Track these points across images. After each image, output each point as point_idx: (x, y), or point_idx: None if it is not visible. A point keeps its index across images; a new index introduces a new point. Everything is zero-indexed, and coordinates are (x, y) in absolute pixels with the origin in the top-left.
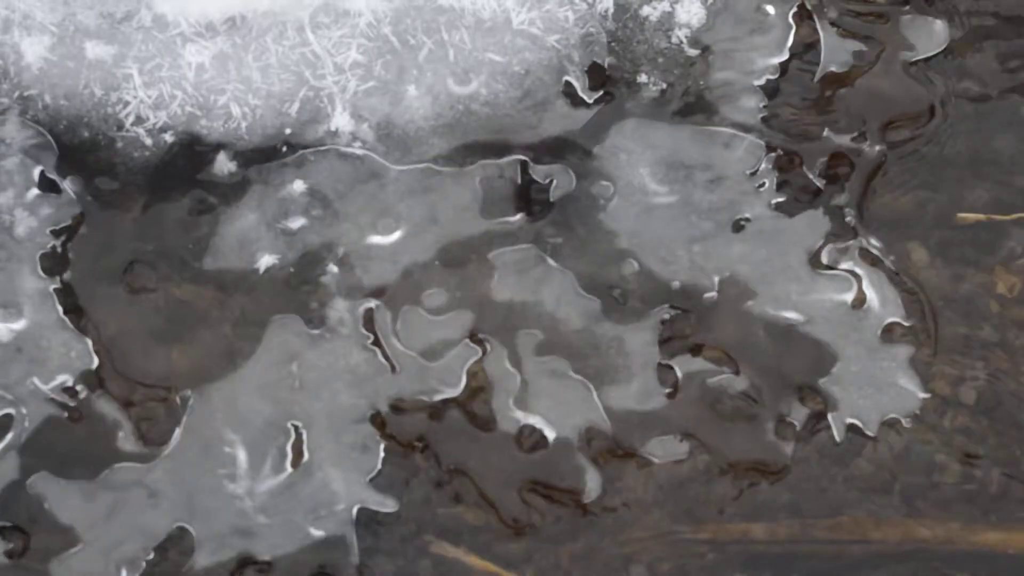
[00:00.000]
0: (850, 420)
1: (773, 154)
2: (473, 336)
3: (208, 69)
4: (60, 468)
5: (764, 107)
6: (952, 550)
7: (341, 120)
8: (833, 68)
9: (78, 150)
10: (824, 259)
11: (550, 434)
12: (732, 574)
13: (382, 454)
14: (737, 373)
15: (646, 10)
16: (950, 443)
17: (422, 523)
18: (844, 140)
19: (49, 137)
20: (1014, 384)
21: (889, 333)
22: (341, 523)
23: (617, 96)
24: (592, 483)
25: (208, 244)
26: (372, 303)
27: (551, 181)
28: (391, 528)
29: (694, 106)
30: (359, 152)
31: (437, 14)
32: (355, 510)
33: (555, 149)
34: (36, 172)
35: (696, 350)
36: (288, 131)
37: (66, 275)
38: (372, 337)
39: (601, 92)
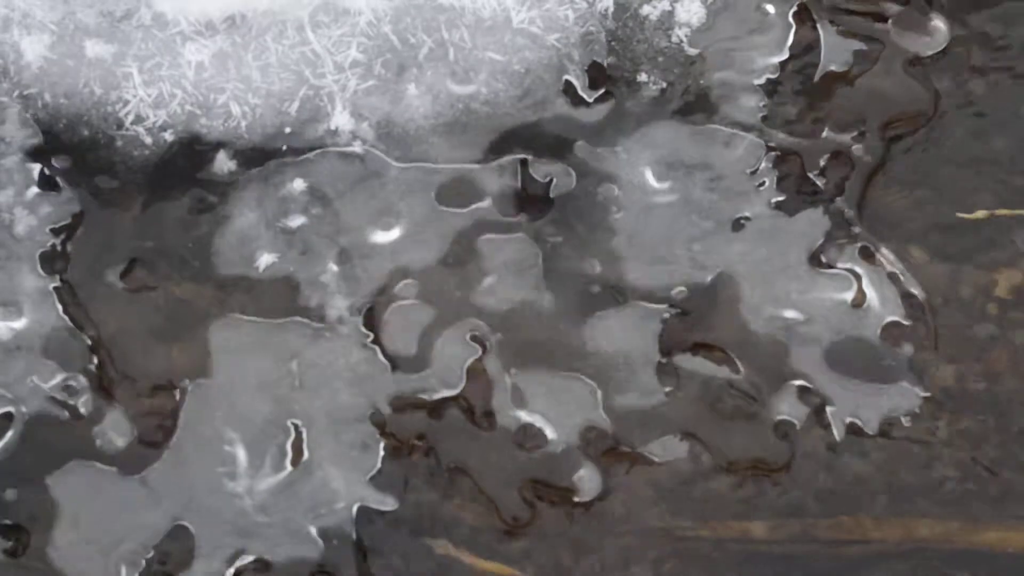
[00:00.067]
0: (850, 419)
1: (773, 153)
2: (473, 335)
3: (208, 68)
4: (60, 466)
5: (764, 106)
6: (952, 549)
7: (341, 119)
8: (833, 67)
9: (78, 149)
10: (824, 258)
11: (550, 433)
12: (732, 573)
13: (382, 453)
14: (737, 372)
15: (646, 9)
16: (950, 442)
17: (422, 521)
18: (844, 139)
19: (49, 136)
20: (1014, 383)
21: (889, 332)
22: (341, 522)
23: (617, 95)
24: (592, 482)
25: (208, 243)
26: (372, 301)
27: (551, 180)
28: (391, 527)
29: (694, 105)
30: (359, 151)
31: (437, 13)
32: (355, 509)
33: (555, 148)
34: (36, 170)
35: (696, 349)
36: (288, 130)
37: (66, 274)
38: (372, 335)
39: (601, 91)
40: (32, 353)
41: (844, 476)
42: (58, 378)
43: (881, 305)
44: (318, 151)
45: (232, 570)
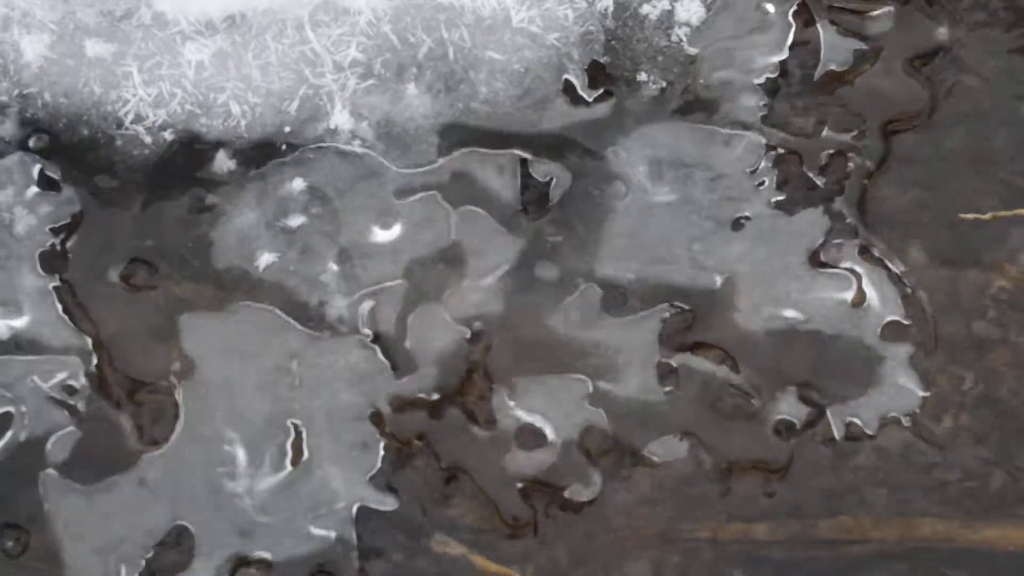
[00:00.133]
0: (850, 419)
1: (773, 153)
2: (473, 334)
3: (208, 67)
4: (59, 466)
5: (764, 105)
6: (952, 548)
7: (340, 118)
8: (833, 66)
9: (78, 148)
10: (824, 257)
11: (550, 433)
12: (732, 573)
13: (382, 452)
14: (737, 372)
15: (646, 8)
16: (950, 441)
17: (422, 521)
18: (844, 139)
19: (49, 135)
20: (1014, 382)
21: (889, 331)
22: (341, 521)
23: (617, 94)
24: (591, 481)
25: (208, 242)
26: (372, 301)
27: (550, 179)
28: (391, 526)
29: (694, 104)
30: (358, 150)
31: (437, 12)
32: (355, 508)
33: (555, 147)
34: (35, 170)
35: (696, 348)
36: (288, 129)
37: (66, 273)
38: (372, 335)
39: (601, 90)
40: (32, 353)
41: (844, 476)
42: (58, 378)
43: (881, 305)
44: (318, 150)
45: (232, 570)
